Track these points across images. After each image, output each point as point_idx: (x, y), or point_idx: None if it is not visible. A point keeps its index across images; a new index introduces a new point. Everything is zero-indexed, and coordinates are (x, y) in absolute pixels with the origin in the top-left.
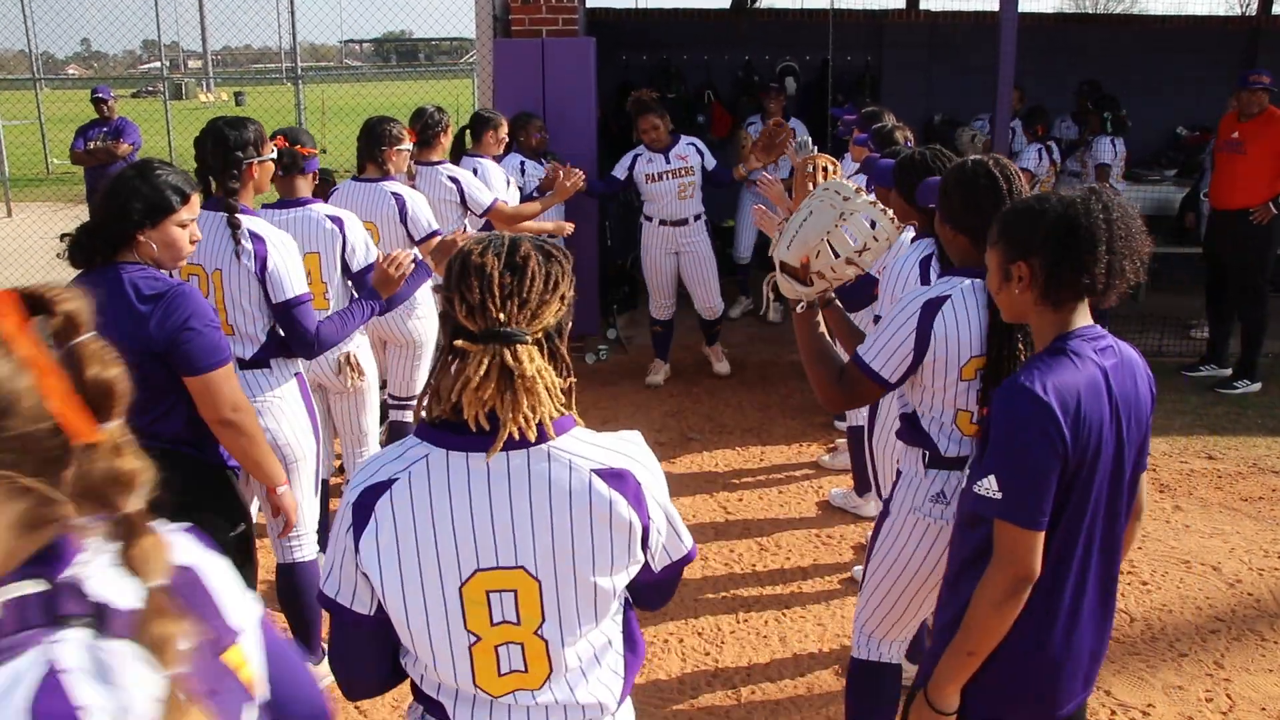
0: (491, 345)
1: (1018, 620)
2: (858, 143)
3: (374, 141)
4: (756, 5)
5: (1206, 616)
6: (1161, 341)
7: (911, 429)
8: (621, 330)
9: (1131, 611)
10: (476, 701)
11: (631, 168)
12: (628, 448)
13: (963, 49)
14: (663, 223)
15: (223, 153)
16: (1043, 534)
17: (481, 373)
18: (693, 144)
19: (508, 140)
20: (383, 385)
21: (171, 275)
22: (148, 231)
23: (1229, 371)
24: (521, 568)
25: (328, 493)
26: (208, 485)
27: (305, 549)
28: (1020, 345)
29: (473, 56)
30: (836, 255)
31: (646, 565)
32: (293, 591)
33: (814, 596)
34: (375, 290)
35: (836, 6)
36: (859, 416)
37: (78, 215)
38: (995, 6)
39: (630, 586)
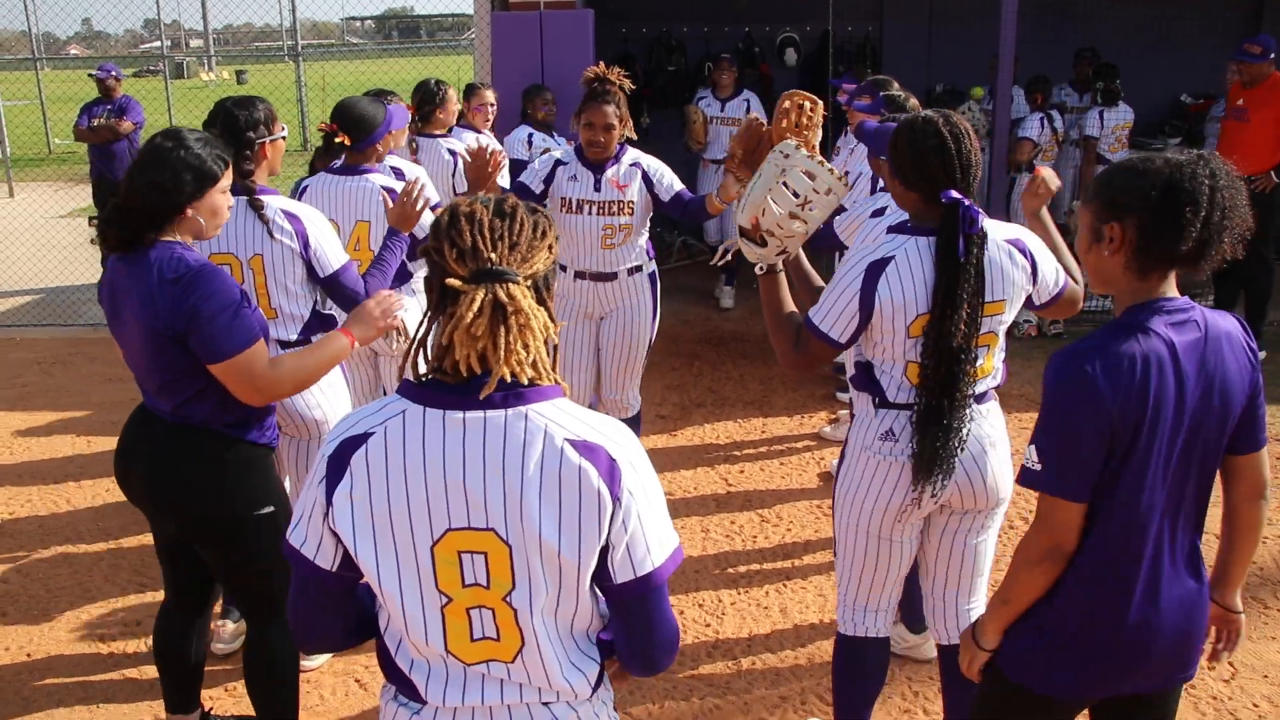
0: (484, 284)
1: (1087, 592)
2: (858, 109)
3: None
4: None
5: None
6: None
7: (864, 375)
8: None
9: None
10: (449, 677)
11: (549, 181)
12: (610, 429)
13: (964, 18)
14: (579, 275)
15: (233, 134)
16: (1082, 506)
17: (475, 309)
18: (639, 166)
19: (490, 109)
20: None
21: (198, 253)
22: (195, 203)
23: None
24: (492, 530)
25: None
26: (234, 463)
27: None
28: (966, 304)
29: (474, 32)
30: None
31: (607, 572)
32: None
33: (815, 568)
34: (396, 229)
35: None
36: None
37: (81, 194)
38: None
39: (610, 608)
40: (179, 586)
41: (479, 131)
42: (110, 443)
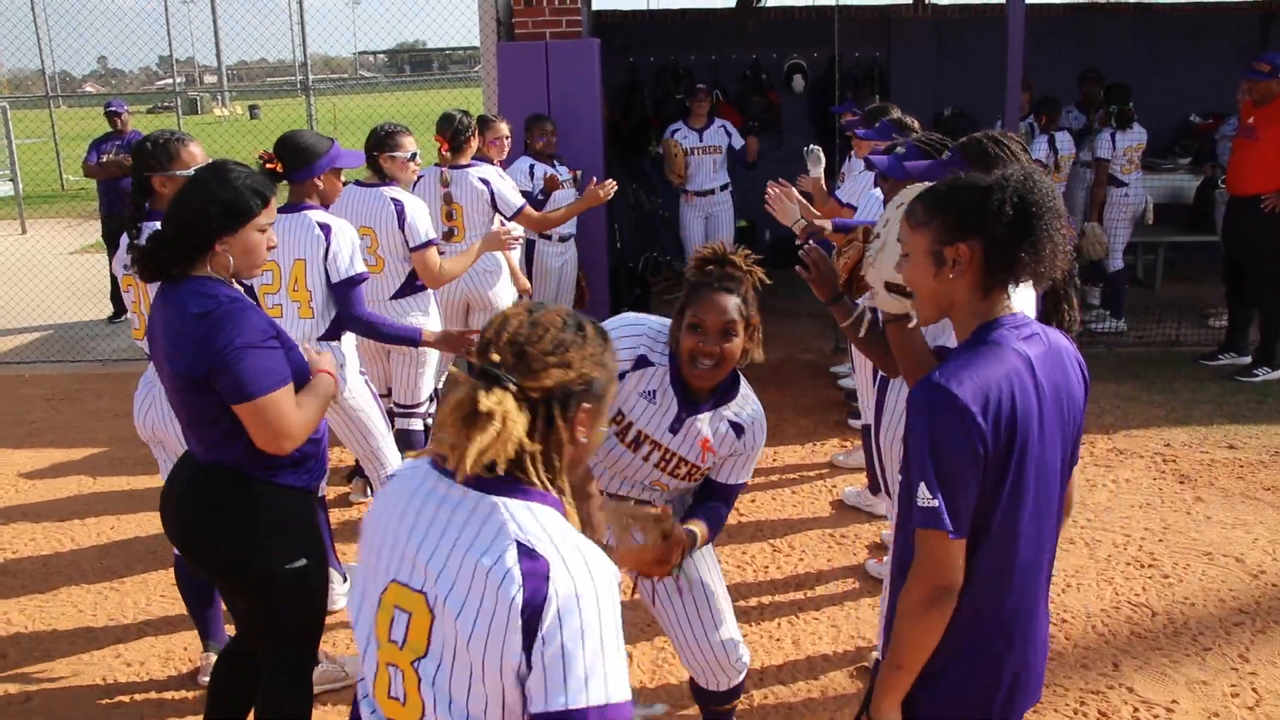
0: (474, 381)
1: (966, 630)
2: (864, 136)
3: (369, 146)
4: (763, 4)
5: (1230, 609)
6: (1179, 330)
7: None
8: None
9: (1153, 605)
10: None
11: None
12: (578, 558)
13: (971, 42)
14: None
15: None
16: (963, 541)
17: (453, 401)
18: (740, 425)
19: (505, 141)
20: (387, 394)
21: (235, 288)
22: (226, 239)
23: (1248, 359)
24: (423, 594)
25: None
26: (266, 509)
27: None
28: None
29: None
30: None
31: (528, 704)
32: None
33: (828, 598)
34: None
35: (843, 3)
36: (870, 414)
37: (91, 230)
38: None
39: None
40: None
41: (492, 163)
42: (117, 480)
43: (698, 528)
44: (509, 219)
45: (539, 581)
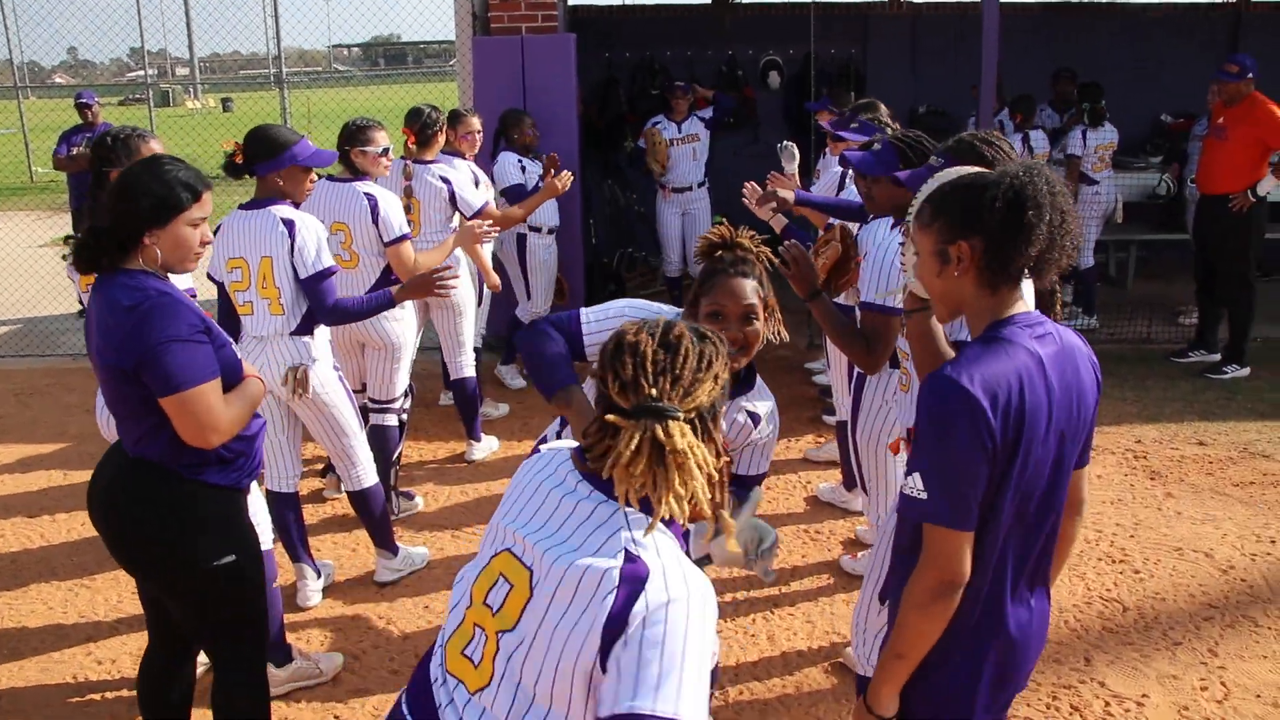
0: (644, 420)
1: (962, 624)
2: (844, 138)
3: (341, 141)
4: (739, 0)
5: (1200, 604)
6: (1150, 328)
7: None
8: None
9: (1124, 600)
10: (435, 681)
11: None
12: (679, 576)
13: (947, 40)
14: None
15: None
16: (971, 535)
17: (633, 448)
18: (758, 417)
19: (476, 136)
20: (362, 389)
21: (167, 282)
22: (155, 232)
23: (1218, 357)
24: (530, 571)
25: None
26: (198, 508)
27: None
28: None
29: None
30: None
31: (598, 709)
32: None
33: (803, 594)
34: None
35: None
36: (846, 411)
37: (61, 223)
38: None
39: None
40: (160, 629)
41: (464, 158)
42: (87, 476)
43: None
44: (469, 219)
45: (635, 586)
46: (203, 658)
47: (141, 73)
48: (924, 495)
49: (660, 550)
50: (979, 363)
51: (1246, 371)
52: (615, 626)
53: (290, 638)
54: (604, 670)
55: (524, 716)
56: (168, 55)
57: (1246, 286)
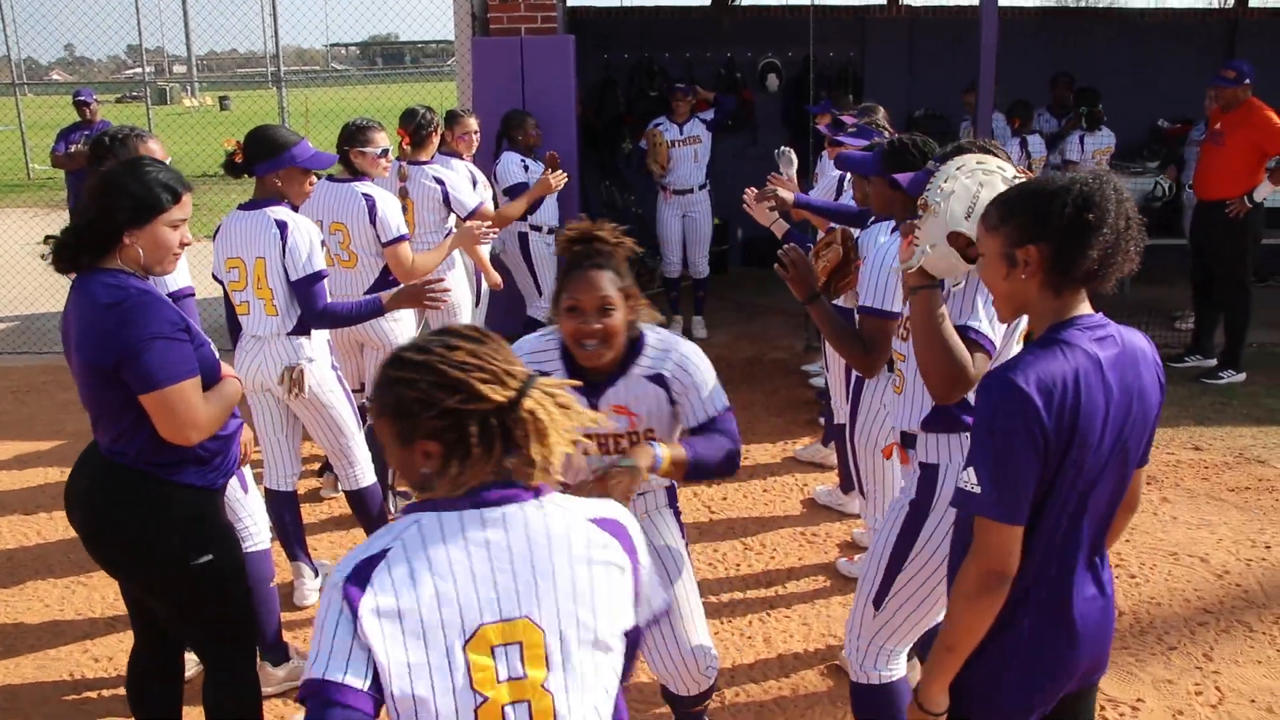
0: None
1: (1021, 612)
2: (843, 141)
3: (341, 142)
4: (738, 2)
5: (1195, 609)
6: (1147, 333)
7: (962, 412)
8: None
9: (1120, 605)
10: None
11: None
12: (613, 506)
13: (944, 44)
14: None
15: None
16: (1021, 529)
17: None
18: (662, 373)
19: (474, 137)
20: (361, 389)
21: (146, 281)
22: (134, 232)
23: (1214, 362)
24: (526, 617)
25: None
26: (174, 509)
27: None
28: None
29: (456, 58)
30: None
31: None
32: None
33: (799, 596)
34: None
35: (818, 2)
36: (844, 414)
37: (59, 220)
38: (976, 1)
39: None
40: (144, 629)
41: (461, 158)
42: None
43: (670, 449)
44: (464, 219)
45: (627, 541)
46: (194, 657)
47: (139, 70)
48: (977, 489)
49: (598, 505)
50: (1036, 363)
51: (1243, 377)
52: (635, 574)
53: (287, 637)
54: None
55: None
56: (165, 53)
57: (1243, 291)
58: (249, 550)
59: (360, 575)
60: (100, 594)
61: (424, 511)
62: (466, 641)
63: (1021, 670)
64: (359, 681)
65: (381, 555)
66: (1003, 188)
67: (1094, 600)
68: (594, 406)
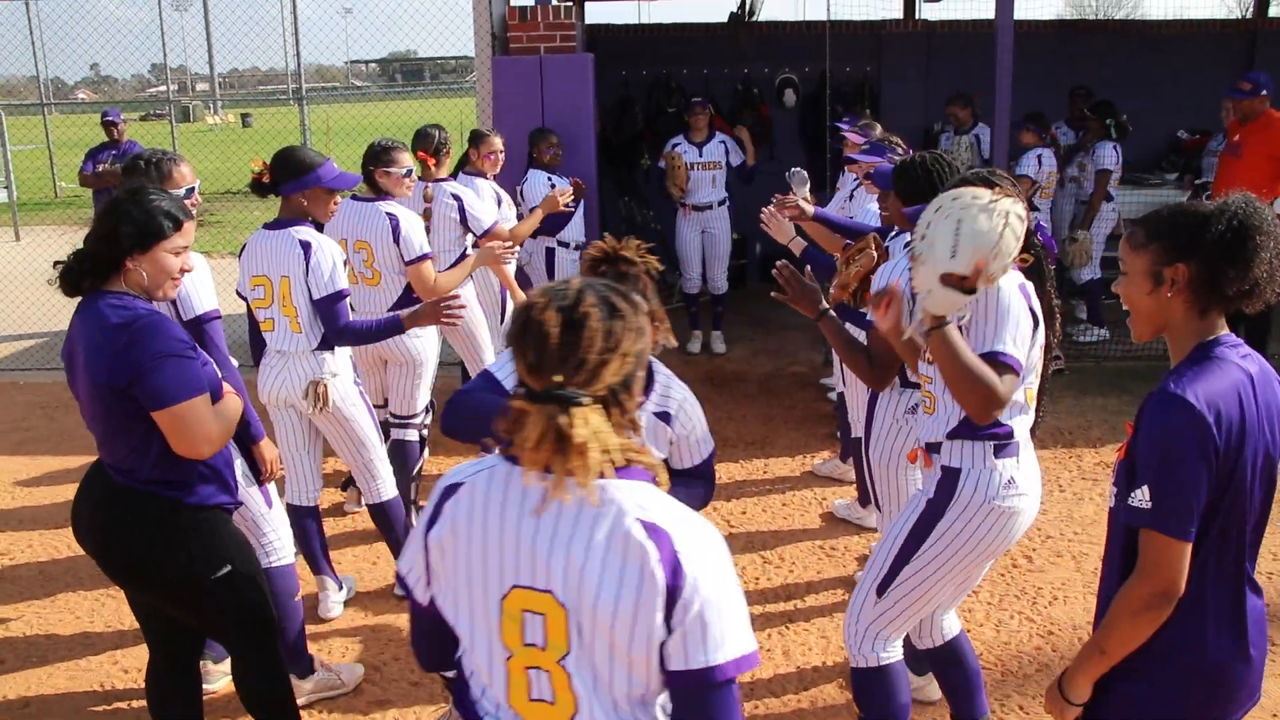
0: (547, 406)
1: (1178, 631)
2: (858, 160)
3: (365, 161)
4: (755, 19)
5: None
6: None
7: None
8: None
9: None
10: None
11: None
12: (688, 520)
13: (960, 58)
14: None
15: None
16: (1190, 546)
17: (537, 434)
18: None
19: (499, 155)
20: (383, 404)
21: (151, 304)
22: (137, 257)
23: None
24: (550, 592)
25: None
26: (185, 526)
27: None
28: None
29: (475, 75)
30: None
31: (665, 664)
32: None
33: (818, 609)
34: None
35: (834, 18)
36: (861, 428)
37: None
38: (992, 15)
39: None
40: (159, 642)
41: (485, 177)
42: None
43: None
44: (479, 237)
45: (670, 554)
46: (224, 667)
47: (163, 88)
48: (1148, 505)
49: (659, 505)
50: (1200, 380)
51: None
52: (672, 595)
53: (312, 649)
54: (668, 632)
55: (627, 697)
56: (188, 71)
57: None
58: (273, 565)
59: (441, 500)
60: (129, 606)
61: (505, 459)
62: (503, 597)
63: (1204, 692)
64: (419, 599)
65: (457, 487)
66: (981, 215)
67: (1254, 622)
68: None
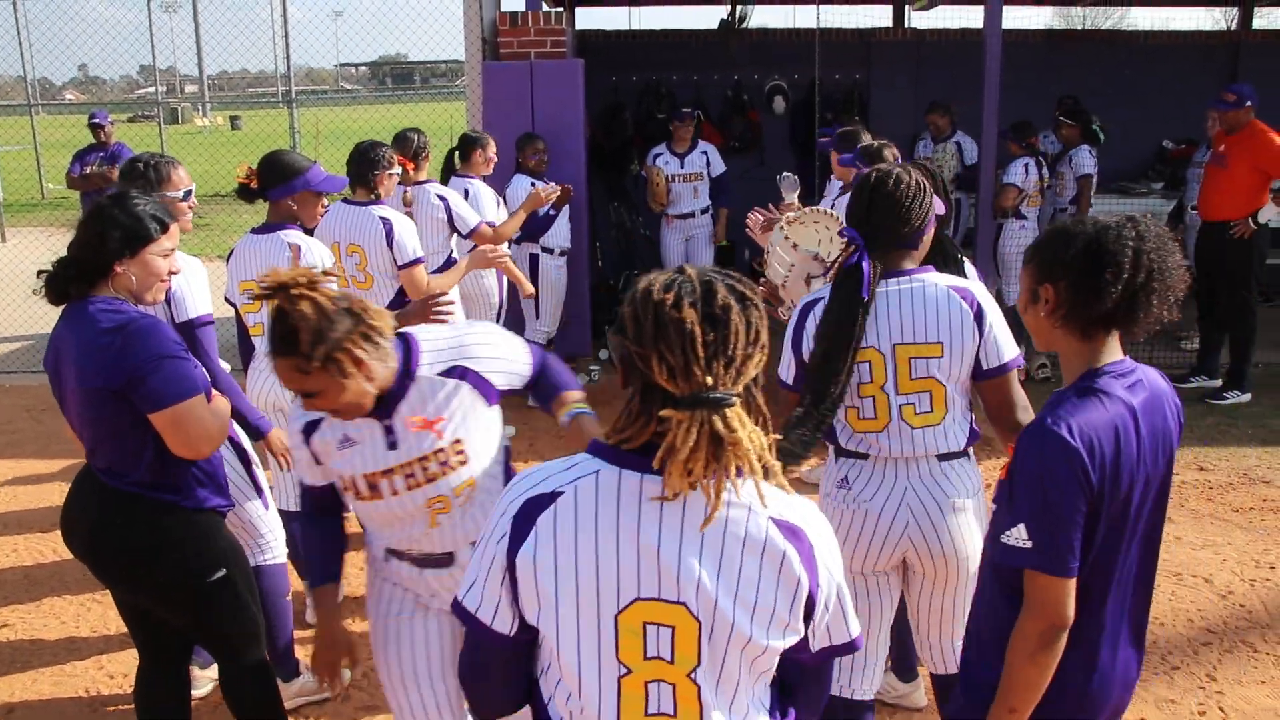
0: (700, 412)
1: (1061, 665)
2: (842, 164)
3: (365, 166)
4: (745, 26)
5: (1198, 629)
6: (1151, 353)
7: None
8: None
9: None
10: None
11: (309, 433)
12: (808, 511)
13: (950, 66)
14: (393, 554)
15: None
16: (1073, 581)
17: (691, 443)
18: (460, 367)
19: (498, 160)
20: None
21: (140, 307)
22: (126, 262)
23: (1219, 382)
24: (683, 604)
25: None
26: (180, 530)
27: None
28: (850, 350)
29: (465, 79)
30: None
31: (804, 642)
32: None
33: None
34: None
35: (824, 25)
36: None
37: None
38: (981, 24)
39: (783, 668)
40: (149, 646)
41: (481, 180)
42: None
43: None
44: (465, 237)
45: (808, 552)
46: (211, 672)
47: (151, 90)
48: (1028, 544)
49: (792, 503)
50: (1078, 412)
51: (1248, 397)
52: (813, 597)
53: (299, 653)
54: (806, 623)
55: (750, 699)
56: (177, 73)
57: (1248, 312)
58: (267, 563)
59: (527, 515)
60: (115, 611)
61: (606, 461)
62: (619, 611)
63: (1047, 706)
64: (504, 629)
65: (552, 498)
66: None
67: (1123, 663)
68: (391, 430)
